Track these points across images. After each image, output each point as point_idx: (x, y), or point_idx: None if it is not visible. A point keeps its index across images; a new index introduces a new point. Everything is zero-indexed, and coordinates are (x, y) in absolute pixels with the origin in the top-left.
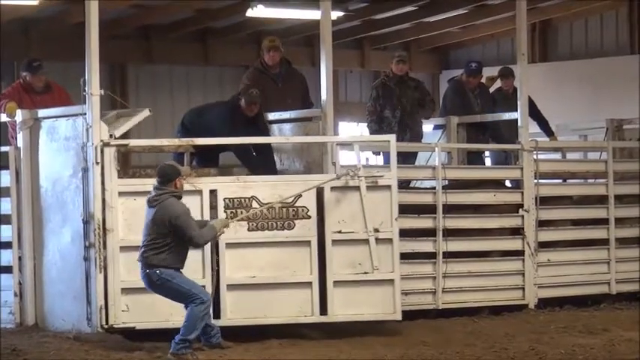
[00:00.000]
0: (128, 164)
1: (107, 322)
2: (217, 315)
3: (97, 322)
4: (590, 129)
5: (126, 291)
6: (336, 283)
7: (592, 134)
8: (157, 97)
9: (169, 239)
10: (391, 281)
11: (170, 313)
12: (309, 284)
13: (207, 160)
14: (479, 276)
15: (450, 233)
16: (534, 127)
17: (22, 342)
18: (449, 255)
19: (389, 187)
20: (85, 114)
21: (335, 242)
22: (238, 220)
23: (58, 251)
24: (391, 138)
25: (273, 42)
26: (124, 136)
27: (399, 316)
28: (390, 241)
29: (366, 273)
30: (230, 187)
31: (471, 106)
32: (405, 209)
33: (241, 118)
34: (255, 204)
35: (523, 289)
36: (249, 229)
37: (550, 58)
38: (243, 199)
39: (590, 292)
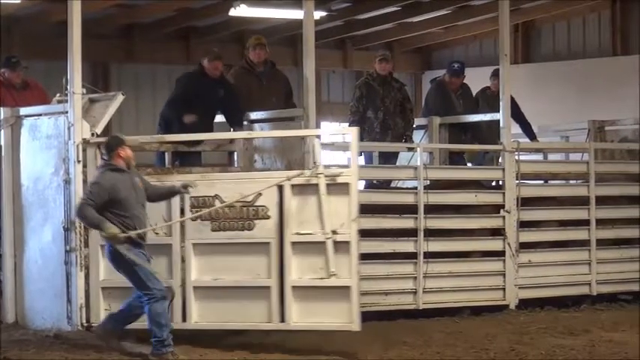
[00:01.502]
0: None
1: (88, 321)
2: (184, 318)
3: (77, 321)
4: (572, 130)
5: (107, 290)
6: (295, 288)
7: (574, 135)
8: (140, 96)
9: (106, 212)
10: (347, 288)
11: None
12: (269, 289)
13: (188, 157)
14: (460, 276)
15: (431, 233)
16: (516, 128)
17: (2, 340)
18: (430, 255)
19: (349, 185)
20: (67, 112)
21: (294, 244)
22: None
23: (39, 249)
24: (352, 131)
25: (259, 40)
26: (105, 130)
27: (356, 327)
28: (348, 244)
29: (323, 279)
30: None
31: (453, 106)
32: (386, 209)
33: (207, 80)
34: (217, 203)
35: (504, 289)
36: (212, 230)
37: (532, 59)
38: (207, 198)
39: (571, 293)
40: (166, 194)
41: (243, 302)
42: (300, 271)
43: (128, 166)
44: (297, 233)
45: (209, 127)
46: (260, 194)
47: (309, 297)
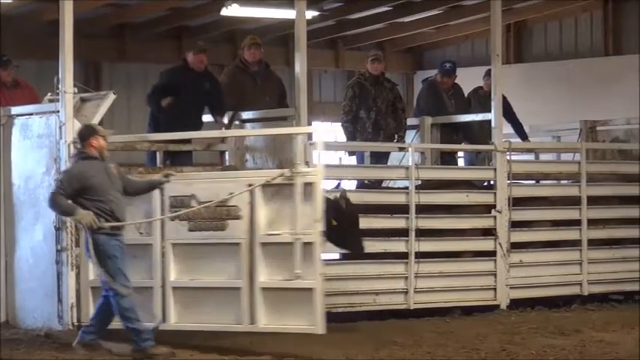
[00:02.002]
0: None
1: (78, 320)
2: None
3: (68, 320)
4: (564, 130)
5: (97, 290)
6: (264, 290)
7: (565, 135)
8: (131, 96)
9: (80, 199)
10: (311, 290)
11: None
12: (239, 290)
13: (179, 157)
14: (451, 276)
15: (422, 233)
16: (508, 128)
17: None
18: (421, 255)
19: (314, 185)
20: (58, 111)
21: (263, 245)
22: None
23: (30, 248)
24: (316, 129)
25: (255, 39)
26: None
27: (320, 330)
28: (313, 245)
29: (288, 280)
30: (175, 184)
31: (444, 106)
32: (377, 209)
33: (192, 74)
34: (194, 203)
35: (495, 289)
36: (189, 230)
37: (524, 59)
38: (184, 198)
39: (562, 293)
40: (146, 188)
41: (218, 303)
42: (269, 272)
43: (102, 156)
44: (267, 234)
45: (197, 122)
46: (232, 194)
47: (277, 299)
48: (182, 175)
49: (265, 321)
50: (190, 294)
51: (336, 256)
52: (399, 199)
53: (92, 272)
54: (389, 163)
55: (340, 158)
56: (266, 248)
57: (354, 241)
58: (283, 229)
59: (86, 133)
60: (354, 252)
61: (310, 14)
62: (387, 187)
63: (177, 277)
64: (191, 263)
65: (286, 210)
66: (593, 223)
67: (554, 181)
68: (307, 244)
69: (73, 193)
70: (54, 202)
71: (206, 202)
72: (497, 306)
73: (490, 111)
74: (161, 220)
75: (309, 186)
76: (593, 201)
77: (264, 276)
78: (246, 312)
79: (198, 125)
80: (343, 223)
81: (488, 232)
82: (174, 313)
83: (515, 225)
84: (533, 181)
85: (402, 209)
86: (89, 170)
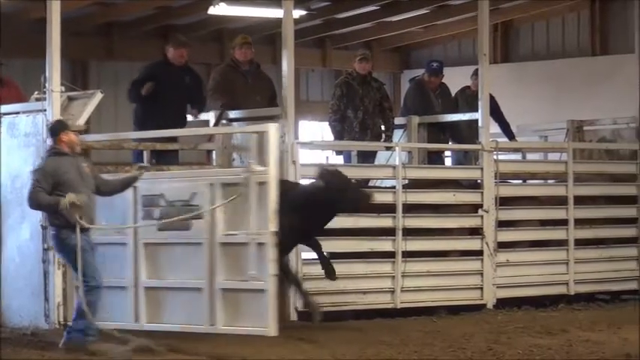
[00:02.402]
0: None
1: (65, 319)
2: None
3: (54, 319)
4: (551, 130)
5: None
6: (223, 291)
7: (552, 135)
8: (119, 94)
9: (53, 194)
10: (263, 292)
11: (128, 314)
12: (200, 290)
13: (165, 156)
14: (437, 275)
15: (409, 233)
16: (495, 128)
17: None
18: (408, 254)
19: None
20: (46, 110)
21: (222, 245)
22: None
23: (17, 247)
24: (271, 128)
25: (246, 39)
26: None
27: (272, 332)
28: (266, 246)
29: (245, 281)
30: (146, 183)
31: (431, 105)
32: (364, 208)
33: (172, 69)
34: (162, 202)
35: (482, 289)
36: (158, 229)
37: (511, 58)
38: (154, 197)
39: (549, 292)
40: (120, 186)
41: (182, 304)
42: (227, 273)
43: (73, 151)
44: (225, 234)
45: (181, 117)
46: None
47: (234, 300)
48: (150, 174)
49: (224, 322)
50: (157, 294)
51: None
52: (386, 198)
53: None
54: (376, 163)
55: (327, 157)
56: (225, 249)
57: (355, 196)
58: (241, 229)
59: (56, 128)
60: (362, 204)
61: (297, 13)
62: (374, 187)
63: (147, 277)
64: (159, 263)
65: (245, 210)
66: (579, 222)
67: (541, 181)
68: (261, 245)
69: (49, 189)
70: (36, 200)
71: (174, 201)
72: (483, 305)
73: (477, 110)
74: (134, 220)
75: (263, 186)
76: (580, 201)
77: (223, 277)
78: (207, 313)
79: (183, 120)
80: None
81: (475, 232)
82: (145, 313)
83: (502, 224)
84: (520, 181)
85: (389, 208)
86: (62, 166)
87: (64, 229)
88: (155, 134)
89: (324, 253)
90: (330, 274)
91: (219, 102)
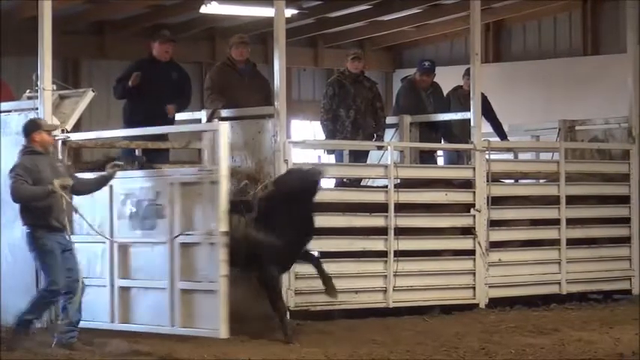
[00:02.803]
0: (80, 159)
1: (57, 318)
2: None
3: (47, 317)
4: (543, 129)
5: None
6: (181, 291)
7: (544, 135)
8: (110, 93)
9: None
10: (214, 293)
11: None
12: (163, 291)
13: (155, 155)
14: (430, 275)
15: (401, 232)
16: (487, 127)
17: None
18: (400, 254)
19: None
20: (37, 108)
21: (182, 245)
22: None
23: (9, 246)
24: (220, 126)
25: (242, 38)
26: (76, 126)
27: (222, 334)
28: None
29: (196, 282)
30: (117, 181)
31: (423, 105)
32: (356, 208)
33: (157, 65)
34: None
35: (474, 288)
36: (130, 229)
37: (503, 58)
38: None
39: (541, 292)
40: (95, 185)
41: (147, 305)
42: (186, 273)
43: (46, 150)
44: (183, 234)
45: (167, 115)
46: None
47: (190, 301)
48: (121, 173)
49: (183, 323)
50: (127, 294)
51: (315, 254)
52: (378, 197)
53: None
54: (369, 162)
55: (319, 157)
56: (182, 249)
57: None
58: (196, 229)
59: (29, 129)
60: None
61: (289, 12)
62: (366, 186)
63: (121, 276)
64: (130, 263)
65: (199, 209)
66: (571, 222)
67: (533, 181)
68: (213, 245)
69: (31, 183)
70: (21, 191)
71: (142, 200)
72: (476, 305)
73: (469, 110)
74: (110, 219)
75: (215, 185)
76: (572, 200)
77: (182, 277)
78: (168, 313)
79: (172, 118)
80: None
81: (467, 231)
82: (119, 312)
83: (494, 224)
84: (512, 181)
85: (381, 208)
86: (37, 164)
87: (39, 229)
88: (127, 132)
89: (324, 269)
90: (331, 291)
91: (218, 103)
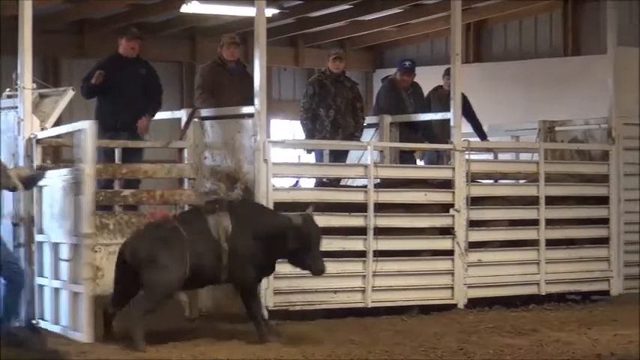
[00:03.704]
0: (59, 158)
1: (34, 318)
2: None
3: (22, 317)
4: (523, 130)
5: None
6: (54, 290)
7: (524, 135)
8: None
9: None
10: (79, 295)
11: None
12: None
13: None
14: (409, 275)
15: (380, 232)
16: (467, 128)
17: None
18: (379, 253)
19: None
20: (17, 107)
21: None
22: None
23: None
24: (87, 126)
25: (234, 38)
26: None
27: (86, 338)
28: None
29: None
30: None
31: (404, 105)
32: (335, 207)
33: (124, 61)
34: None
35: (452, 288)
36: None
37: (484, 58)
38: None
39: (520, 292)
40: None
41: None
42: (56, 273)
43: None
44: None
45: (140, 111)
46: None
47: (61, 301)
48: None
49: (64, 323)
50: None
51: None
52: (358, 197)
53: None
54: (348, 162)
55: (299, 156)
56: (55, 250)
57: (315, 261)
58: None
59: None
60: (314, 271)
61: (270, 12)
62: (346, 186)
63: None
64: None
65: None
66: (551, 223)
67: (513, 181)
68: (76, 247)
69: None
70: None
71: None
72: (454, 305)
73: (450, 110)
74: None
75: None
76: (551, 201)
77: (65, 277)
78: (51, 311)
79: (142, 113)
80: (303, 245)
81: (447, 231)
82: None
83: (474, 224)
84: (492, 181)
85: (360, 208)
86: None
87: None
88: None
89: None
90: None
91: (209, 104)
